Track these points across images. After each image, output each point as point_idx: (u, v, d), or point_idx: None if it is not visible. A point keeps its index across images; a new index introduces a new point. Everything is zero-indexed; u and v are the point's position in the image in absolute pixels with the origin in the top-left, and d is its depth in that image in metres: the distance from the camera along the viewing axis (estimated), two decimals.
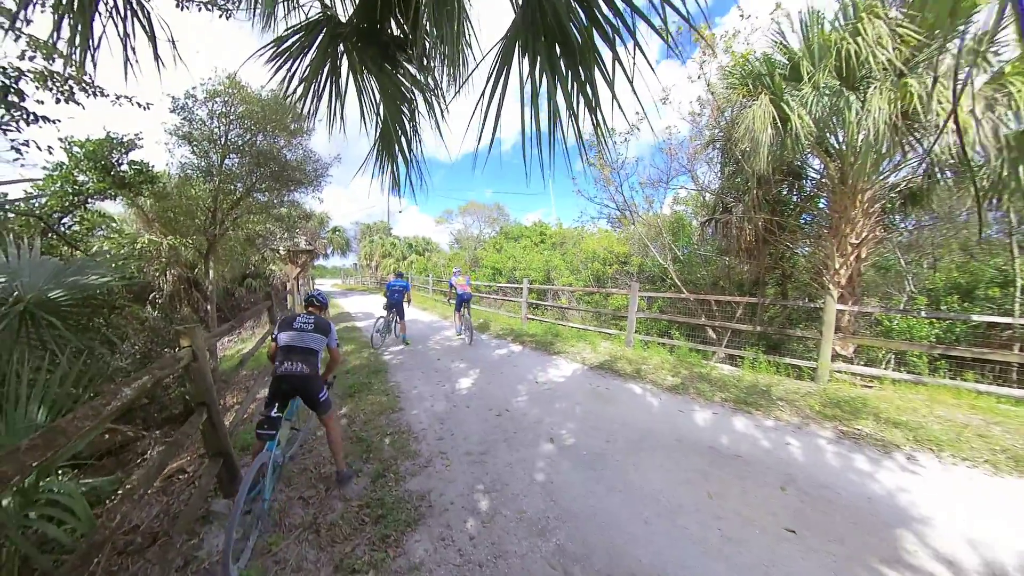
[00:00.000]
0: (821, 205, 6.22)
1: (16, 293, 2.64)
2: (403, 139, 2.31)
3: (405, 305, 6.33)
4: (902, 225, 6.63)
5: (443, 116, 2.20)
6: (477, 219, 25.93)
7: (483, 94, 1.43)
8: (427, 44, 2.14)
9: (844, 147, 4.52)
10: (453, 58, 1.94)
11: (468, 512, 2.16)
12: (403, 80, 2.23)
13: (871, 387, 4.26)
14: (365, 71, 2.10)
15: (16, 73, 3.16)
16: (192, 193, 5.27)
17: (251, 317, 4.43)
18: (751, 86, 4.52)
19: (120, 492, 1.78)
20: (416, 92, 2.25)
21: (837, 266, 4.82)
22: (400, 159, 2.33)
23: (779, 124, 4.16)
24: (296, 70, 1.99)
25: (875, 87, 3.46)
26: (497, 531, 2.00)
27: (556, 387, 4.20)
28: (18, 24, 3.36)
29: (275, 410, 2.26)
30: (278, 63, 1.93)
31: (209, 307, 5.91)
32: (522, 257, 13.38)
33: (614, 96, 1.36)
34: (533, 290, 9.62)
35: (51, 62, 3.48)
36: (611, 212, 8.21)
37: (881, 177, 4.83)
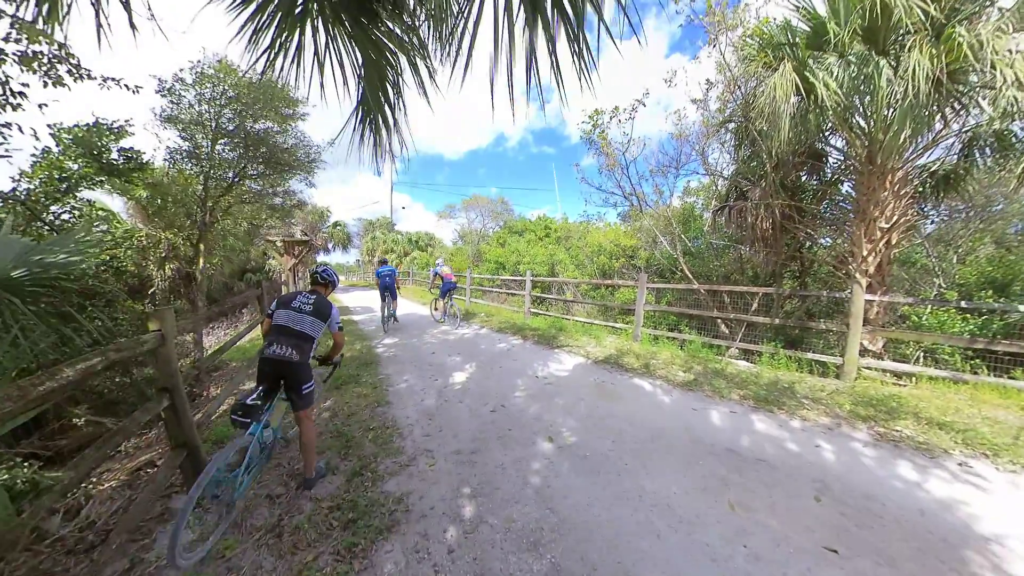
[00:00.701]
0: (844, 190, 5.82)
1: None
2: (385, 106, 2.05)
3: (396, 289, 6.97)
4: (932, 213, 6.20)
5: (431, 77, 1.93)
6: (480, 213, 25.67)
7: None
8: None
9: (872, 122, 4.13)
10: (439, 14, 1.67)
11: (449, 519, 1.88)
12: (383, 38, 1.96)
13: (904, 385, 3.89)
14: (340, 27, 1.84)
15: None
16: (182, 180, 5.07)
17: (239, 305, 4.18)
18: (771, 56, 4.16)
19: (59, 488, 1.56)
20: (400, 53, 1.98)
21: (865, 253, 4.44)
22: (383, 126, 2.07)
23: (803, 94, 3.80)
24: (264, 23, 1.72)
25: (913, 41, 3.09)
26: (481, 543, 1.72)
27: (558, 382, 3.91)
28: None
29: (257, 396, 2.03)
30: (239, 11, 1.66)
31: (196, 295, 5.70)
32: (526, 251, 13.07)
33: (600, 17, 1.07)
34: (537, 283, 9.32)
35: (37, 43, 3.28)
36: (617, 200, 7.85)
37: (912, 156, 4.44)
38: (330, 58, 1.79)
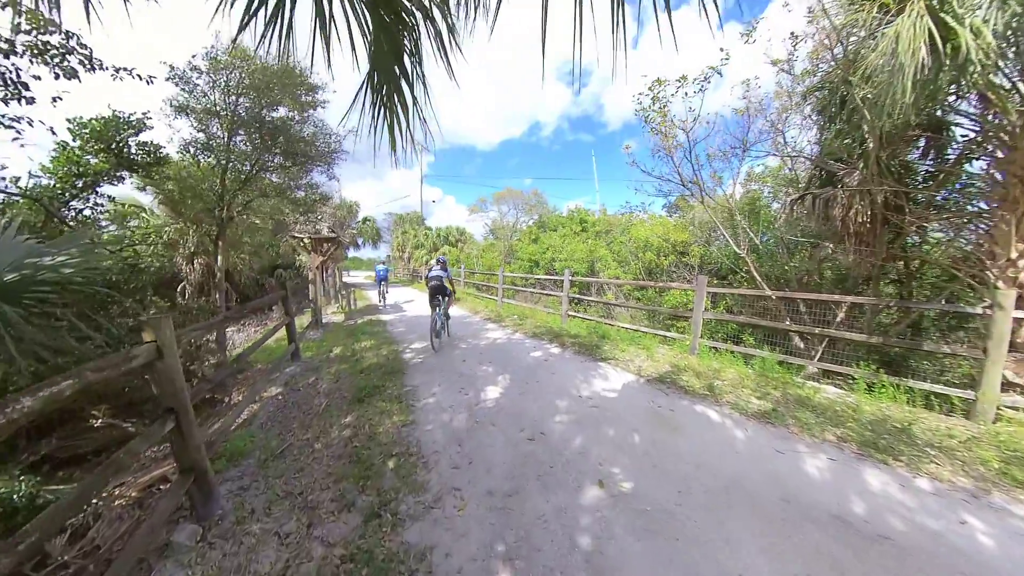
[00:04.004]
0: (977, 169, 4.80)
1: None
2: (402, 80, 1.79)
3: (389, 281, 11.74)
4: None
5: (452, 43, 1.65)
6: (513, 207, 25.34)
7: None
8: None
9: None
10: None
11: None
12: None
13: None
14: None
15: (7, 46, 3.05)
16: (198, 173, 5.25)
17: (260, 307, 4.19)
18: None
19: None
20: (418, 14, 1.70)
21: (1014, 255, 3.59)
22: (399, 104, 1.81)
23: (939, 47, 3.06)
24: None
25: None
26: None
27: (605, 405, 3.53)
28: None
29: (432, 298, 5.52)
30: None
31: (218, 296, 5.93)
32: (562, 247, 12.60)
33: None
34: (575, 283, 8.88)
35: (47, 33, 3.36)
36: (672, 188, 7.16)
37: None
38: (335, 24, 1.54)
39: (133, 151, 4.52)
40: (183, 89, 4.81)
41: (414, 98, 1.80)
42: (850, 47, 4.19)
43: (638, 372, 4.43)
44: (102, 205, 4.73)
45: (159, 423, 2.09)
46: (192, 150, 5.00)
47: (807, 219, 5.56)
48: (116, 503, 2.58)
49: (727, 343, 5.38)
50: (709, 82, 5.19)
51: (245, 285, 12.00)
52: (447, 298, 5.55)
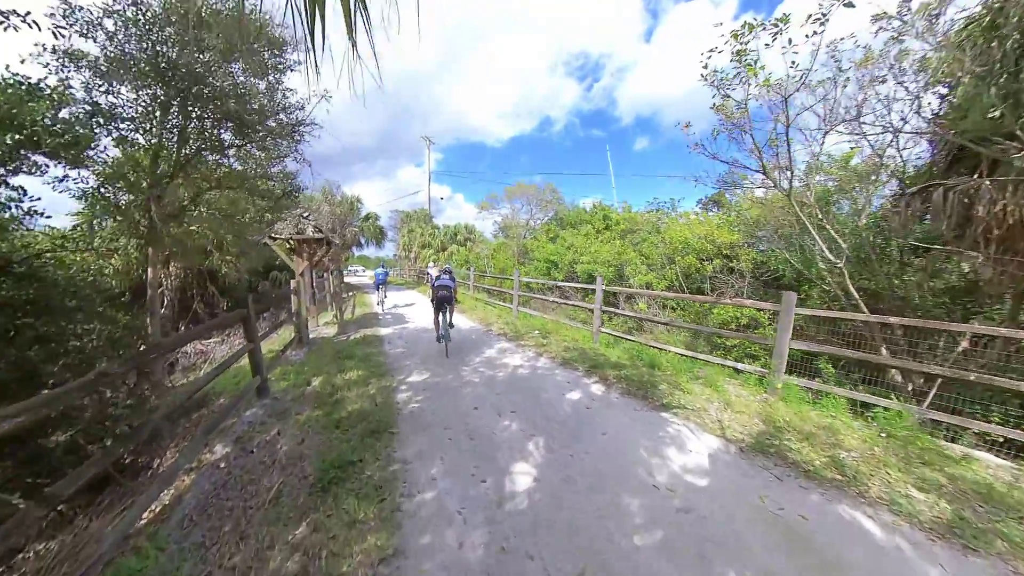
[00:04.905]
0: None
1: None
2: None
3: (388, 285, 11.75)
4: None
5: None
6: (526, 203, 24.03)
7: None
8: None
9: None
10: None
11: None
12: None
13: None
14: None
15: None
16: (119, 156, 4.16)
17: (212, 329, 3.16)
18: None
19: None
20: None
21: None
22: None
23: None
24: None
25: None
26: None
27: (697, 504, 2.35)
28: None
29: (437, 303, 5.66)
30: None
31: (149, 317, 4.83)
32: (584, 248, 11.38)
33: None
34: (607, 292, 7.69)
35: None
36: (742, 177, 5.87)
37: None
38: None
39: (53, 129, 3.50)
40: (80, 32, 3.66)
41: None
42: None
43: (721, 431, 3.24)
44: (18, 201, 3.75)
45: None
46: (82, 116, 3.78)
47: (933, 218, 4.27)
48: None
49: (792, 375, 4.16)
50: (828, 19, 3.80)
51: (234, 288, 11.10)
52: (451, 306, 5.82)
